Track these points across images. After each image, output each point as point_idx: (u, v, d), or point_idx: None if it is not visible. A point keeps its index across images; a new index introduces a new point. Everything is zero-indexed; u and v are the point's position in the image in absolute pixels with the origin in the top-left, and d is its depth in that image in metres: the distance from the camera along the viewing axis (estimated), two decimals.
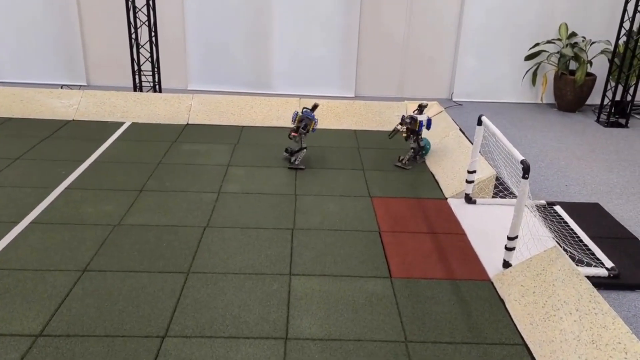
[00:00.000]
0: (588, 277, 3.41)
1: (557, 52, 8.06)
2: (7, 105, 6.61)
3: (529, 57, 8.22)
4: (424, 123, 5.41)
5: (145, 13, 7.03)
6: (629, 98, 7.63)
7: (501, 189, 5.01)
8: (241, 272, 3.69)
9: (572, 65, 8.17)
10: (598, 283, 3.71)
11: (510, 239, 3.70)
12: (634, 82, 7.54)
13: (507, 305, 3.45)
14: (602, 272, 3.86)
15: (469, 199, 4.80)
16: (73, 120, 6.53)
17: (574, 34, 8.02)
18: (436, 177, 5.33)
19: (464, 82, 8.39)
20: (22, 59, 8.16)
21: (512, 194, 4.90)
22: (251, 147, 5.93)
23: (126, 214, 4.39)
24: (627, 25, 7.38)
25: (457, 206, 4.74)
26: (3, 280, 3.50)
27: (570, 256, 3.95)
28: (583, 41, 7.93)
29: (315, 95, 8.18)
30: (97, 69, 8.27)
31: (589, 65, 7.88)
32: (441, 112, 6.49)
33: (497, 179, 4.99)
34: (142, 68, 7.25)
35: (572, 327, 2.99)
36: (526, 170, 3.47)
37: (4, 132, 6.03)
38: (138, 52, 7.08)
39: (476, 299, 3.52)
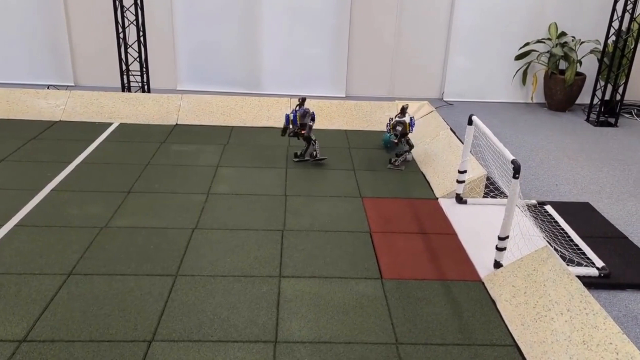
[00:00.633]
0: (579, 277, 3.39)
1: (547, 52, 8.07)
2: None
3: (519, 57, 8.23)
4: (411, 123, 5.40)
5: (133, 12, 6.95)
6: (618, 97, 7.65)
7: (492, 189, 4.99)
8: (230, 274, 3.64)
9: (562, 64, 8.18)
10: (589, 283, 3.70)
11: (501, 239, 3.68)
12: (623, 81, 7.57)
13: (498, 306, 3.42)
14: (593, 271, 3.85)
15: (459, 199, 4.78)
16: (60, 121, 6.44)
17: (563, 34, 8.04)
18: (427, 177, 5.31)
19: (454, 82, 8.39)
20: (8, 59, 8.04)
21: (503, 194, 4.88)
22: (241, 148, 5.88)
23: (113, 216, 4.32)
24: (616, 24, 7.40)
25: (448, 206, 4.72)
26: None
27: (561, 256, 3.94)
28: (573, 41, 7.95)
29: (305, 95, 8.13)
30: (84, 69, 8.18)
31: (578, 64, 7.90)
32: (432, 112, 6.47)
33: (488, 178, 4.98)
34: (131, 68, 7.18)
35: (563, 327, 2.97)
36: (517, 170, 3.45)
37: None
38: (126, 52, 7.01)
39: (467, 299, 3.49)
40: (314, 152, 5.46)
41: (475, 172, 4.88)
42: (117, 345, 2.97)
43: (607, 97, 7.74)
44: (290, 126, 5.42)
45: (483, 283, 3.67)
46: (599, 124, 7.58)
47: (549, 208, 4.81)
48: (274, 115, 6.66)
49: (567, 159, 6.26)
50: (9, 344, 2.95)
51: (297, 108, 5.40)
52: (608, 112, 7.73)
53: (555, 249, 4.06)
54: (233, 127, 6.52)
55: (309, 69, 8.26)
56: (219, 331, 3.11)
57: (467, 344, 3.10)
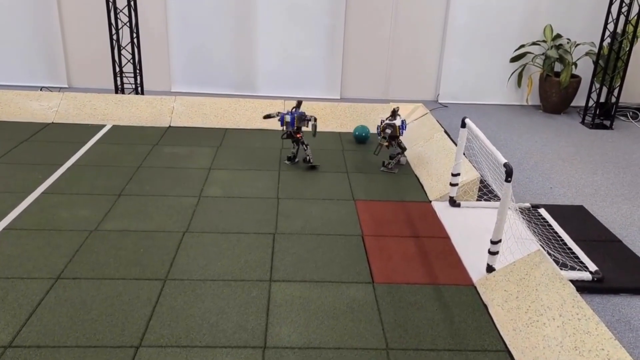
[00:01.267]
0: (572, 281, 3.37)
1: (542, 54, 8.06)
2: None
3: (514, 59, 8.21)
4: (402, 126, 5.37)
5: (127, 14, 6.92)
6: (613, 100, 7.64)
7: (486, 192, 4.96)
8: (220, 278, 3.60)
9: (557, 67, 8.17)
10: (582, 287, 3.68)
11: (493, 242, 3.65)
12: (619, 83, 7.56)
13: (491, 311, 3.39)
14: (586, 275, 3.83)
15: (453, 202, 4.75)
16: (52, 123, 6.40)
17: (558, 36, 8.03)
18: (420, 180, 5.28)
19: (449, 84, 8.37)
20: (2, 60, 8.00)
21: (496, 197, 4.86)
22: (234, 150, 5.84)
23: (103, 219, 4.28)
24: (611, 27, 7.39)
25: (441, 209, 4.69)
26: None
27: (554, 260, 3.91)
28: (568, 43, 7.94)
29: (300, 97, 8.11)
30: (78, 70, 8.13)
31: (573, 67, 7.89)
32: (426, 114, 6.45)
33: (482, 181, 4.95)
34: (124, 70, 7.14)
35: (555, 332, 2.94)
36: (509, 174, 3.42)
37: None
38: (120, 54, 6.97)
39: (459, 304, 3.46)
40: (307, 157, 5.42)
41: (469, 175, 4.86)
42: (104, 350, 2.93)
43: (602, 100, 7.72)
44: (285, 127, 5.38)
45: (475, 287, 3.64)
46: (594, 126, 7.57)
47: (542, 211, 4.79)
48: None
49: (562, 161, 6.24)
50: None
51: (294, 110, 5.37)
52: (603, 115, 7.72)
53: (549, 253, 4.03)
54: (227, 129, 6.49)
55: (303, 71, 8.23)
56: (207, 336, 3.07)
57: (459, 350, 3.07)
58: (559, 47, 7.88)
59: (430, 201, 4.87)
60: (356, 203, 4.76)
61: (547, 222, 4.61)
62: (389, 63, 8.30)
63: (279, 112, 5.38)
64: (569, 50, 7.83)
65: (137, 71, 7.15)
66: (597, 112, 7.65)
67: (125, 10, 6.94)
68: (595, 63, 7.64)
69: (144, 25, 7.67)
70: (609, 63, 7.47)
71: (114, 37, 6.87)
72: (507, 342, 3.13)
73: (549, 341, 2.93)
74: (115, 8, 6.77)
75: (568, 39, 8.00)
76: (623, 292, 3.79)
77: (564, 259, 4.00)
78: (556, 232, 4.44)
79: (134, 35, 6.99)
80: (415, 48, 8.25)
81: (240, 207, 4.58)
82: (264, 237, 4.14)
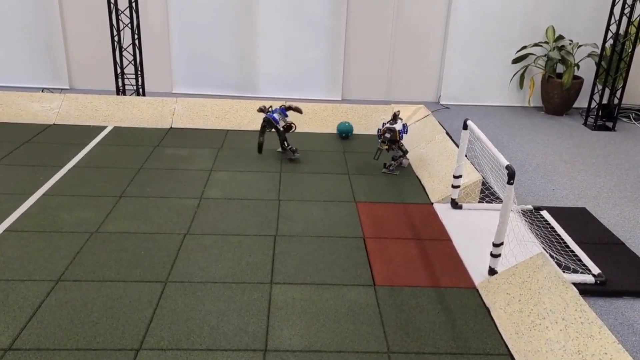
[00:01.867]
0: (574, 284, 3.35)
1: (545, 55, 8.04)
2: None
3: (516, 60, 8.19)
4: (402, 130, 5.36)
5: (128, 15, 6.92)
6: (616, 101, 7.62)
7: (488, 194, 4.95)
8: (221, 280, 3.59)
9: (560, 68, 8.15)
10: (585, 290, 3.66)
11: (495, 245, 3.63)
12: (621, 85, 7.53)
13: (493, 314, 3.37)
14: (589, 278, 3.80)
15: (455, 204, 4.73)
16: (54, 124, 6.40)
17: (561, 37, 8.01)
18: (422, 182, 5.26)
19: (451, 85, 8.35)
20: (4, 61, 8.00)
21: (498, 199, 4.84)
22: (235, 152, 5.83)
23: (104, 221, 4.27)
24: (613, 28, 7.37)
25: (443, 211, 4.68)
26: None
27: (556, 262, 3.89)
28: (570, 44, 7.92)
29: (301, 99, 8.10)
30: (80, 72, 8.13)
31: (576, 68, 7.87)
32: (427, 115, 6.43)
33: (484, 183, 4.93)
34: (126, 71, 7.13)
35: (558, 336, 2.92)
36: (511, 176, 3.40)
37: None
38: (121, 55, 6.96)
39: (461, 307, 3.44)
40: (292, 151, 5.56)
41: (471, 177, 4.84)
42: (104, 353, 2.92)
43: (604, 101, 7.70)
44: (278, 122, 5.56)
45: (477, 290, 3.62)
46: (597, 128, 7.54)
47: (545, 213, 4.77)
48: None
49: (564, 163, 6.22)
50: None
51: (277, 110, 5.60)
52: (606, 116, 7.70)
53: (551, 256, 4.01)
54: (228, 130, 6.48)
55: (305, 72, 8.22)
56: (208, 339, 3.06)
57: (461, 353, 3.05)
58: (561, 48, 7.86)
59: (432, 203, 4.85)
60: (357, 205, 4.75)
61: (549, 224, 4.59)
62: (390, 64, 8.28)
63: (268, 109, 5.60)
64: (571, 51, 7.81)
65: (139, 73, 7.14)
66: (600, 114, 7.63)
67: (127, 12, 6.94)
68: (598, 64, 7.61)
69: (146, 27, 7.67)
70: (612, 64, 7.45)
71: (116, 38, 6.87)
72: (510, 346, 3.11)
73: (551, 345, 2.91)
74: (117, 9, 6.77)
75: (570, 40, 7.98)
76: (626, 295, 3.77)
77: (566, 262, 3.98)
78: (559, 235, 4.42)
79: (136, 36, 6.98)
80: (417, 49, 8.23)
81: (241, 209, 4.57)
82: (264, 239, 4.13)
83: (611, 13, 7.32)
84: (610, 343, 2.71)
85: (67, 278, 3.54)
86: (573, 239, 4.35)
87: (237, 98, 7.86)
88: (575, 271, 3.88)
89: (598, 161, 6.34)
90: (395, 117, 5.40)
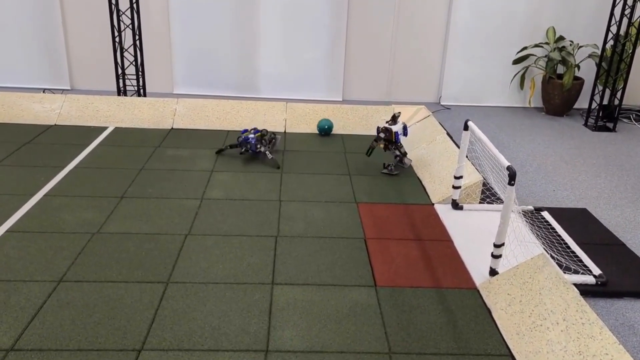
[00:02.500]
0: (575, 285, 3.35)
1: (545, 56, 8.05)
2: None
3: (516, 61, 8.20)
4: (400, 132, 5.36)
5: (129, 16, 6.92)
6: (616, 102, 7.62)
7: (488, 195, 4.95)
8: (222, 281, 3.59)
9: (560, 69, 8.16)
10: (586, 291, 3.66)
11: (496, 246, 3.63)
12: (622, 86, 7.53)
13: (494, 315, 3.38)
14: (590, 279, 3.81)
15: (456, 205, 4.74)
16: (55, 125, 6.41)
17: (561, 38, 8.02)
18: (423, 183, 5.27)
19: (451, 86, 8.36)
20: (4, 62, 8.01)
21: (499, 200, 4.84)
22: (236, 153, 5.83)
23: (106, 222, 4.28)
24: (614, 29, 7.38)
25: (444, 212, 4.68)
26: None
27: (557, 263, 3.90)
28: (571, 45, 7.93)
29: (302, 99, 8.11)
30: (81, 72, 8.14)
31: (576, 69, 7.87)
32: (428, 116, 6.44)
33: (485, 184, 4.94)
34: (127, 72, 7.14)
35: (559, 337, 2.93)
36: (512, 177, 3.41)
37: None
38: (122, 56, 6.97)
39: (462, 308, 3.45)
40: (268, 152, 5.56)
41: (472, 177, 4.84)
42: (106, 354, 2.93)
43: (605, 102, 7.70)
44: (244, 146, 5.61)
45: (478, 291, 3.63)
46: (597, 128, 7.55)
47: (545, 214, 4.77)
48: (271, 119, 6.62)
49: (565, 164, 6.23)
50: None
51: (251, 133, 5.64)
52: (606, 117, 7.70)
53: (552, 256, 4.02)
54: (229, 131, 6.48)
55: (305, 73, 8.23)
56: (209, 340, 3.06)
57: (462, 354, 3.05)
58: (561, 49, 7.87)
59: (433, 204, 4.85)
60: (358, 206, 4.75)
61: (550, 225, 4.60)
62: (391, 65, 8.29)
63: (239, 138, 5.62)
64: (571, 52, 7.81)
65: (140, 73, 7.15)
66: (600, 115, 7.63)
67: (128, 13, 6.95)
68: (598, 65, 7.62)
69: (147, 28, 7.68)
70: (612, 65, 7.46)
71: (117, 39, 6.88)
72: (511, 346, 3.11)
73: (552, 345, 2.92)
74: (118, 10, 6.78)
75: (571, 41, 7.99)
76: (627, 296, 3.77)
77: (567, 263, 3.98)
78: (559, 235, 4.42)
79: (137, 37, 6.99)
80: (417, 50, 8.24)
81: (242, 210, 4.58)
82: (266, 239, 4.13)
83: (611, 14, 7.33)
84: (611, 344, 2.71)
85: (68, 279, 3.55)
86: (574, 239, 4.35)
87: (238, 99, 7.87)
88: (576, 272, 3.89)
89: (599, 162, 6.34)
90: (394, 118, 5.41)
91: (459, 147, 4.96)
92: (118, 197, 4.69)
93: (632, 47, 7.32)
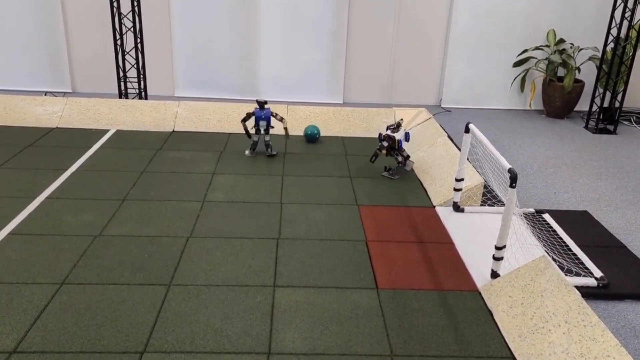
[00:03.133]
0: (577, 287, 3.36)
1: (545, 59, 8.06)
2: None
3: (517, 64, 8.21)
4: (402, 139, 5.38)
5: (131, 19, 6.95)
6: (617, 104, 7.63)
7: (490, 197, 4.96)
8: (224, 283, 3.60)
9: (561, 71, 8.17)
10: (587, 293, 3.67)
11: (498, 248, 3.64)
12: (622, 88, 7.55)
13: (495, 317, 3.38)
14: (591, 281, 3.81)
15: (457, 207, 4.74)
16: (57, 127, 6.42)
17: (562, 41, 8.03)
18: (424, 185, 5.28)
19: (452, 89, 8.37)
20: (6, 65, 8.03)
21: (500, 202, 4.85)
22: (237, 155, 5.85)
23: (107, 224, 4.29)
24: (614, 32, 7.39)
25: (445, 214, 4.69)
26: None
27: (559, 265, 3.90)
28: (571, 48, 7.94)
29: (303, 102, 8.13)
30: (82, 75, 8.17)
31: (577, 71, 7.89)
32: (429, 119, 6.45)
33: (486, 186, 4.94)
34: (128, 75, 7.16)
35: (561, 339, 2.93)
36: (513, 179, 3.41)
37: None
38: (124, 59, 6.99)
39: (464, 310, 3.45)
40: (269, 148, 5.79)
41: (473, 180, 4.85)
42: (108, 356, 2.93)
43: (605, 104, 7.71)
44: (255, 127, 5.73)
45: (480, 293, 3.63)
46: (598, 131, 7.55)
47: (547, 217, 4.78)
48: (272, 121, 6.62)
49: (566, 166, 6.23)
50: None
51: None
52: (607, 120, 7.71)
53: (553, 259, 4.02)
54: (230, 134, 6.50)
55: (306, 76, 8.25)
56: (211, 342, 3.07)
57: (463, 356, 3.06)
58: (562, 51, 7.88)
59: (434, 206, 4.86)
60: (360, 208, 4.76)
61: (551, 227, 4.60)
62: (391, 67, 8.31)
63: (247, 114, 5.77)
64: (572, 55, 7.83)
65: (141, 76, 7.17)
66: (601, 117, 7.64)
67: (130, 16, 6.97)
68: (599, 68, 7.63)
69: (148, 31, 7.69)
70: (613, 68, 7.47)
71: (118, 42, 6.90)
72: (512, 349, 3.12)
73: (554, 348, 2.92)
74: (120, 13, 6.80)
75: (571, 44, 8.00)
76: (628, 298, 3.78)
77: (568, 265, 3.99)
78: (561, 238, 4.43)
79: (138, 40, 7.01)
80: (418, 52, 8.26)
81: (243, 212, 4.59)
82: (267, 242, 4.14)
83: (612, 17, 7.34)
84: (612, 346, 2.72)
85: (71, 281, 3.56)
86: (575, 242, 4.36)
87: (239, 101, 7.87)
88: (577, 274, 3.89)
89: (599, 164, 6.35)
90: (398, 126, 5.44)
91: (459, 149, 4.96)
92: (120, 200, 4.70)
93: (632, 50, 7.34)
